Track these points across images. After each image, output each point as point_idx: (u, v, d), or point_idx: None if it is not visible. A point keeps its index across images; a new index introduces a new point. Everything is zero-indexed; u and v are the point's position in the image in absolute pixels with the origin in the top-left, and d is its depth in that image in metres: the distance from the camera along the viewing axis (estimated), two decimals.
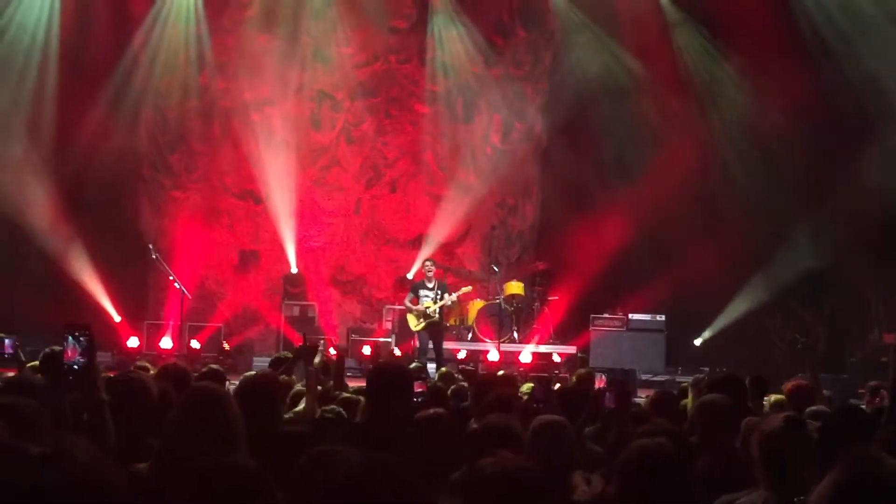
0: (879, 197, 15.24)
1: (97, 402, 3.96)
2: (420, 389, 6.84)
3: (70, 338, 3.96)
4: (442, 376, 9.28)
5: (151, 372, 7.09)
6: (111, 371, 9.35)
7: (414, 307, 15.59)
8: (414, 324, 15.62)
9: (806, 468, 3.90)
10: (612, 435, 4.40)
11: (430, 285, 15.62)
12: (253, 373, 6.48)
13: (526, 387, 7.35)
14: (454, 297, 15.69)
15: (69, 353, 3.95)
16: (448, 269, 18.09)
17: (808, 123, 16.32)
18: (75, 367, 3.94)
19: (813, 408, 6.47)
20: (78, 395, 4.04)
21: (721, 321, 17.04)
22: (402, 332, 16.36)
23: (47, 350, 6.42)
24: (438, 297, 15.52)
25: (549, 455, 4.27)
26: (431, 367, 14.59)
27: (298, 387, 6.74)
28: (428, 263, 15.94)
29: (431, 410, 4.77)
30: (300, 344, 6.83)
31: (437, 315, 15.49)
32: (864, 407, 7.55)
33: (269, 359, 9.73)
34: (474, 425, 5.41)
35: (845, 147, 16.02)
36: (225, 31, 18.05)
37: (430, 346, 15.50)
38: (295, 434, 4.84)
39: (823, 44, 16.45)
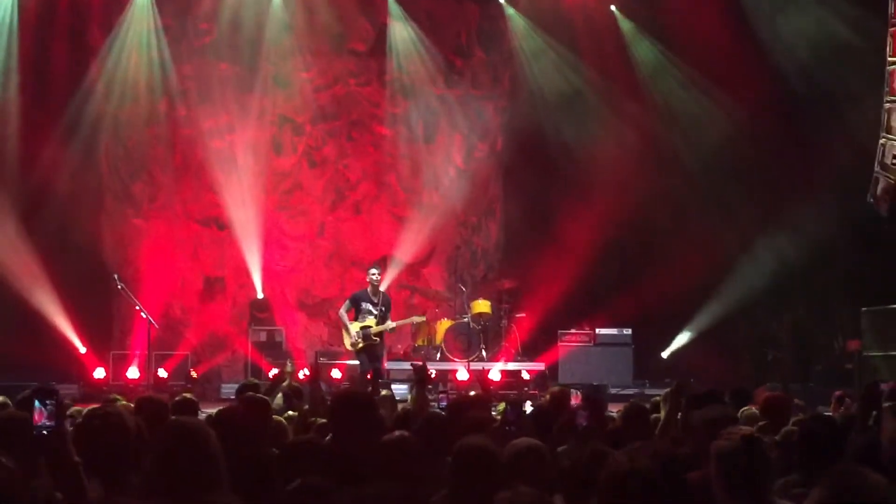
0: (841, 204, 15.39)
1: (70, 464, 3.95)
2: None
3: (37, 402, 3.96)
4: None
5: (121, 403, 7.04)
6: (79, 403, 9.30)
7: (351, 324, 14.32)
8: (349, 343, 14.40)
9: (764, 485, 3.93)
10: (586, 454, 4.43)
11: (375, 299, 14.33)
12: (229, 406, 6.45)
13: (499, 407, 7.35)
14: (394, 325, 14.58)
15: (37, 417, 3.97)
16: (415, 289, 18.09)
17: (769, 132, 16.48)
18: (44, 431, 3.96)
19: (797, 418, 6.53)
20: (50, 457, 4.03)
21: (688, 333, 17.15)
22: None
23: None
24: (382, 314, 14.28)
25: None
26: (401, 389, 14.58)
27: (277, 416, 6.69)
28: (374, 271, 14.47)
29: (397, 433, 4.77)
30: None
31: (378, 338, 14.36)
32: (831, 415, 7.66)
33: (236, 385, 9.71)
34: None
35: (805, 155, 16.15)
36: (183, 58, 17.97)
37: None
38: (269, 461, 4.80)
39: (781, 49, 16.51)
